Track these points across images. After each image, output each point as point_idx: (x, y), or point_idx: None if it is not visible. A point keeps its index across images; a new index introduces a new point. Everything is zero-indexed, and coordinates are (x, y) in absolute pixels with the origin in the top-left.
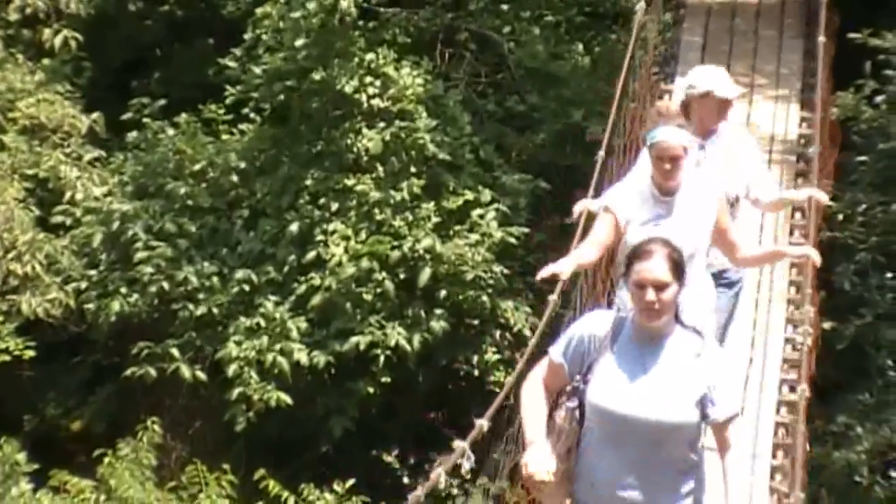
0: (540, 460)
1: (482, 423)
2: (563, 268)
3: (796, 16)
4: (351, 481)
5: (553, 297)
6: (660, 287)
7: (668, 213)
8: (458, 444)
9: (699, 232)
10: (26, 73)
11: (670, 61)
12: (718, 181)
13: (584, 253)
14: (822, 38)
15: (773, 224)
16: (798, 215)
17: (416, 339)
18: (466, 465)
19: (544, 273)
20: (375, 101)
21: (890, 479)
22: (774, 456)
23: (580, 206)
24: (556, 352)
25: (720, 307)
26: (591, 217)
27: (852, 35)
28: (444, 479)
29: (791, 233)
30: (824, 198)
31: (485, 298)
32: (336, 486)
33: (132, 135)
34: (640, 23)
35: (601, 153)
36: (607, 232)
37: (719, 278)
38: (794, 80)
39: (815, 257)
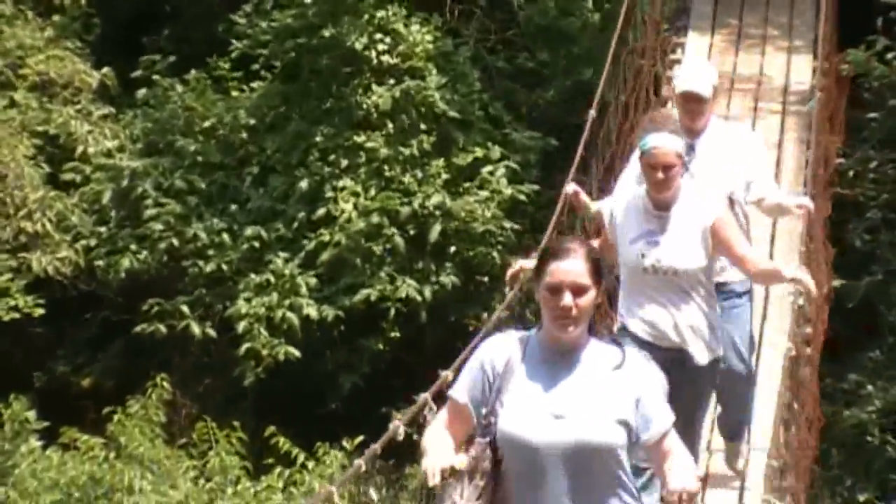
0: (436, 459)
1: (447, 374)
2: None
3: None
4: (360, 438)
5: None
6: (578, 291)
7: (662, 230)
8: (421, 396)
9: (696, 249)
10: (35, 30)
11: (682, 15)
12: (715, 189)
13: None
14: None
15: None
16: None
17: (427, 291)
18: (430, 417)
19: (510, 271)
20: (385, 58)
21: None
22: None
23: (570, 190)
24: (456, 391)
25: (734, 320)
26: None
27: None
28: (403, 430)
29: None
30: (809, 204)
31: (495, 255)
32: (345, 443)
33: (142, 91)
34: None
35: (591, 112)
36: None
37: (722, 291)
38: (807, 32)
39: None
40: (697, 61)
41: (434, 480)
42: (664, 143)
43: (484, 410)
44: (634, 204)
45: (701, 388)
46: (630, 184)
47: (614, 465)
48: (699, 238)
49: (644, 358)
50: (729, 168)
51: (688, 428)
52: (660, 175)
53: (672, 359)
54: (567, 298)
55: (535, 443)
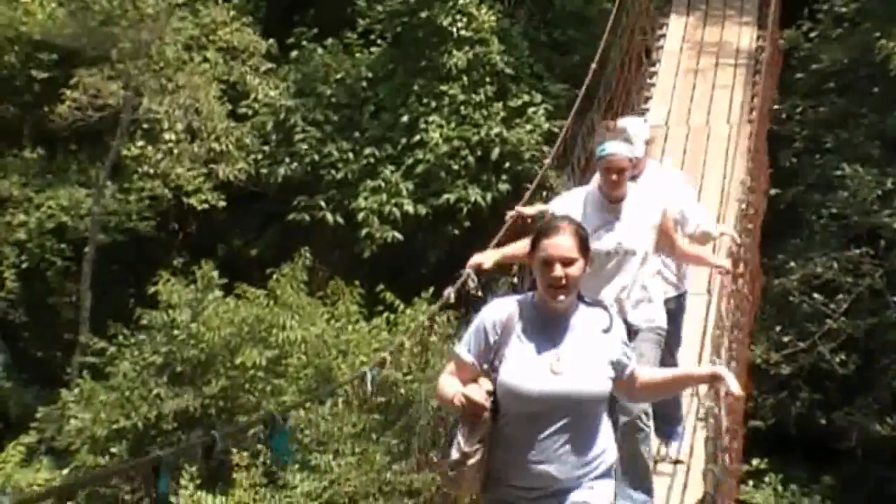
0: (475, 390)
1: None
2: (485, 259)
3: None
4: (431, 289)
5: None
6: (567, 263)
7: (618, 218)
8: (466, 271)
9: (647, 233)
10: (223, 9)
11: (666, 2)
12: (661, 194)
13: (516, 245)
14: None
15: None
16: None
17: (489, 196)
18: (472, 284)
19: (470, 263)
20: (462, 32)
21: (813, 299)
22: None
23: (513, 213)
24: (462, 350)
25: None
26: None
27: None
28: (453, 295)
29: None
30: (736, 238)
31: (536, 169)
32: (424, 294)
33: (294, 53)
34: None
35: (593, 65)
36: None
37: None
38: (754, 10)
39: (728, 265)
40: (629, 124)
41: (478, 397)
42: (618, 149)
43: (485, 366)
44: (590, 200)
45: (645, 350)
46: (579, 192)
47: (601, 412)
48: (648, 225)
49: (615, 313)
50: (655, 201)
51: None
52: (614, 177)
53: None
54: (558, 270)
55: (536, 394)
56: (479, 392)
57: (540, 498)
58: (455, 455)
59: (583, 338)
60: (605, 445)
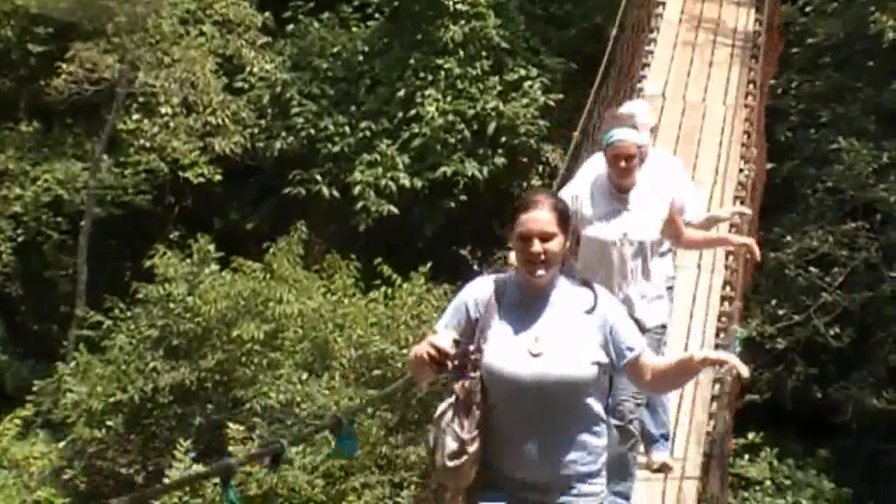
0: (438, 338)
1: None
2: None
3: None
4: (429, 264)
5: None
6: (546, 238)
7: (625, 207)
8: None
9: (655, 225)
10: None
11: None
12: (667, 182)
13: None
14: None
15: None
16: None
17: (485, 169)
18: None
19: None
20: (458, 6)
21: (809, 272)
22: (726, 269)
23: None
24: (440, 326)
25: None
26: None
27: None
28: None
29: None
30: (748, 212)
31: (532, 143)
32: (421, 269)
33: (290, 27)
34: None
35: (614, 31)
36: None
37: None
38: None
39: (755, 249)
40: (635, 109)
41: (443, 343)
42: (626, 136)
43: (471, 347)
44: (598, 188)
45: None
46: (586, 177)
47: (584, 399)
48: (656, 217)
49: (611, 296)
50: (663, 190)
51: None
52: (623, 164)
53: None
54: (536, 245)
55: (514, 377)
56: (443, 339)
57: (532, 491)
58: (453, 445)
59: (562, 317)
60: (598, 437)
